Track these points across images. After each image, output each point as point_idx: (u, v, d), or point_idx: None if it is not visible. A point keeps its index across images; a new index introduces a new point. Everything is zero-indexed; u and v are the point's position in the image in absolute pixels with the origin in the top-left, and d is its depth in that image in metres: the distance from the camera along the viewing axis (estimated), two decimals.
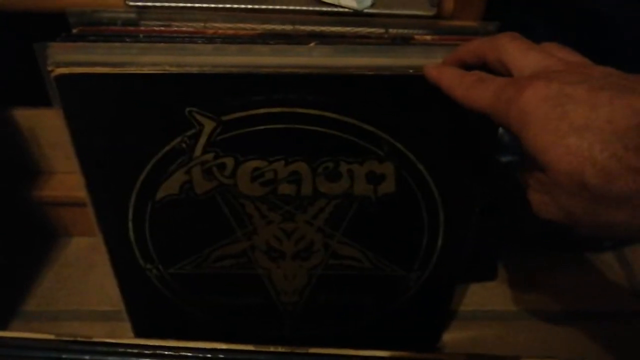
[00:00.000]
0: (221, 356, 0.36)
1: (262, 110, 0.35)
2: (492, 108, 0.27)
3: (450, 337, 0.53)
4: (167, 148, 0.36)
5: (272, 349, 0.40)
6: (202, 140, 0.36)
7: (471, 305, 0.56)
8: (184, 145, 0.36)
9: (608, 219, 0.23)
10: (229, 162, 0.37)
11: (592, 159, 0.22)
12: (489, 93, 0.28)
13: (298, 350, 0.40)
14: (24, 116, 0.54)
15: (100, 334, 0.51)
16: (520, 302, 0.56)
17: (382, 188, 0.39)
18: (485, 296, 0.57)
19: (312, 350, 0.40)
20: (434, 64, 0.33)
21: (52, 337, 0.33)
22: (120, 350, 0.34)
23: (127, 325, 0.49)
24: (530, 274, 0.59)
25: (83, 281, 0.57)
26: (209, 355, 0.37)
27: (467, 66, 0.31)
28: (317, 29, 0.38)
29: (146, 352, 0.36)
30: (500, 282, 0.58)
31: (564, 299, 0.57)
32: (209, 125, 0.35)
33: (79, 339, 0.33)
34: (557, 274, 0.59)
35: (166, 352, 0.36)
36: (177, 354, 0.36)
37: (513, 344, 0.52)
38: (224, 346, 0.38)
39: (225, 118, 0.35)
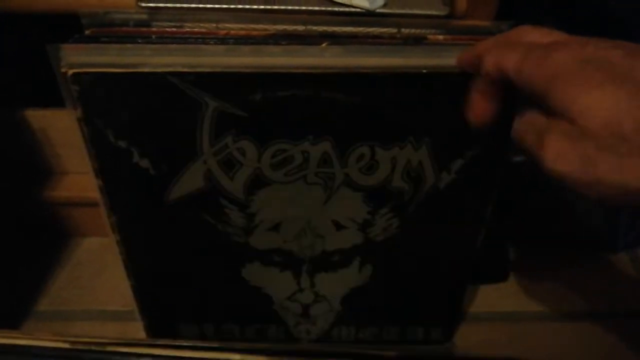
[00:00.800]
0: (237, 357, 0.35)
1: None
2: (518, 71, 0.25)
3: (461, 337, 0.53)
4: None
5: (276, 345, 0.40)
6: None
7: (482, 306, 0.56)
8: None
9: (635, 176, 0.21)
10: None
11: (632, 110, 0.21)
12: (517, 54, 0.26)
13: (306, 348, 0.40)
14: (37, 117, 0.54)
15: (111, 334, 0.52)
16: (532, 303, 0.56)
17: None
18: (496, 297, 0.57)
19: (319, 348, 0.40)
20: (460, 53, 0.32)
21: (66, 345, 0.33)
22: (133, 359, 0.34)
23: (139, 325, 0.49)
24: (542, 275, 0.59)
25: (95, 281, 0.57)
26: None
27: None
28: (329, 29, 0.38)
29: None
30: (511, 283, 0.58)
31: (575, 299, 0.56)
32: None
33: (93, 347, 0.33)
34: (568, 275, 0.58)
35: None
36: None
37: (524, 345, 0.52)
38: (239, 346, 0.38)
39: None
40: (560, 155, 0.23)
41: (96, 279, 0.58)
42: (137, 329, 0.50)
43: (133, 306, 0.47)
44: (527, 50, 0.26)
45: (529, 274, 0.59)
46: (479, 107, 0.30)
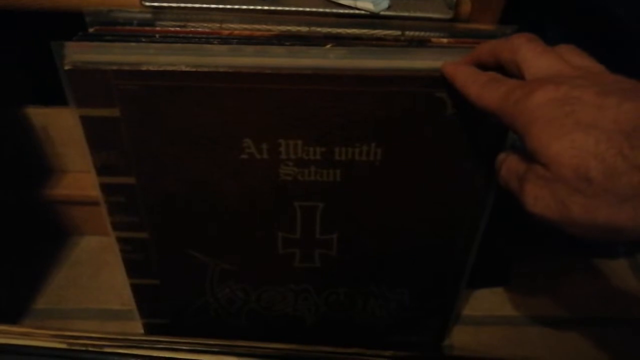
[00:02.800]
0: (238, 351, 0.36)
1: None
2: (500, 108, 0.27)
3: (460, 340, 0.53)
4: None
5: (276, 345, 0.40)
6: None
7: (481, 310, 0.56)
8: None
9: (608, 218, 0.23)
10: None
11: (598, 155, 0.23)
12: (499, 93, 0.28)
13: (305, 348, 0.40)
14: (38, 115, 0.54)
15: (110, 332, 0.52)
16: (532, 307, 0.56)
17: None
18: (497, 301, 0.57)
19: (318, 348, 0.40)
20: (451, 61, 0.33)
21: (64, 345, 0.33)
22: None
23: (138, 324, 0.49)
24: (542, 280, 0.59)
25: (94, 280, 0.57)
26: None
27: (484, 66, 0.32)
28: (333, 30, 0.38)
29: None
30: (511, 287, 0.58)
31: (575, 304, 0.56)
32: None
33: (90, 348, 0.33)
34: (569, 280, 0.59)
35: None
36: None
37: (522, 349, 0.52)
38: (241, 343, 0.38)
39: None
40: (537, 199, 0.25)
41: (95, 277, 0.58)
42: (136, 328, 0.50)
43: (131, 306, 0.47)
44: (506, 95, 0.27)
45: (529, 278, 0.59)
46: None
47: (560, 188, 0.24)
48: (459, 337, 0.53)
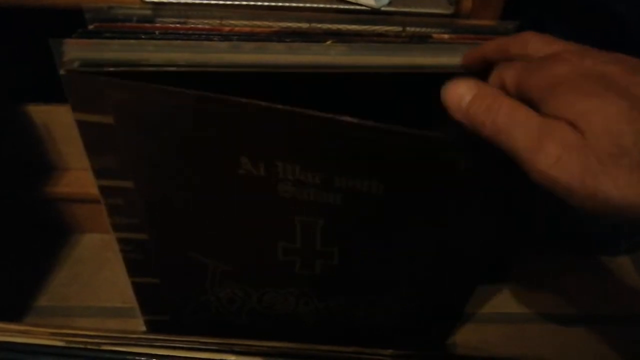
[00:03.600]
0: (232, 358, 0.35)
1: None
2: (518, 83, 0.25)
3: (462, 338, 0.53)
4: None
5: (274, 344, 0.40)
6: None
7: (483, 307, 0.56)
8: None
9: (635, 192, 0.21)
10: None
11: (632, 120, 0.21)
12: (515, 71, 0.26)
13: (303, 347, 0.40)
14: (39, 112, 0.54)
15: (108, 330, 0.52)
16: (534, 304, 0.56)
17: None
18: (498, 298, 0.57)
19: (317, 347, 0.40)
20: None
21: (62, 343, 0.33)
22: (129, 358, 0.34)
23: (139, 322, 0.49)
24: (544, 277, 0.59)
25: (95, 278, 0.57)
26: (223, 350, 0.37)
27: (489, 64, 0.31)
28: (334, 26, 0.38)
29: None
30: (513, 284, 0.58)
31: (577, 302, 0.56)
32: None
33: (88, 346, 0.33)
34: (571, 277, 0.58)
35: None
36: None
37: (523, 347, 0.52)
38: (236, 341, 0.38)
39: None
40: (559, 161, 0.22)
41: (96, 275, 0.58)
42: (137, 326, 0.50)
43: (133, 303, 0.47)
44: (525, 65, 0.26)
45: (530, 275, 0.59)
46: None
47: (590, 155, 0.21)
48: (462, 335, 0.53)
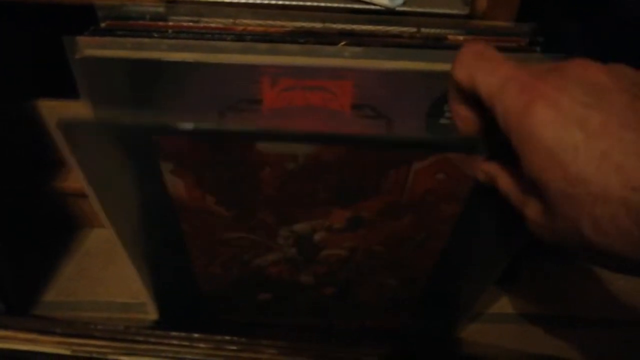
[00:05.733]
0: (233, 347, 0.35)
1: None
2: (505, 120, 0.24)
3: (469, 337, 0.53)
4: None
5: (271, 342, 0.39)
6: None
7: (492, 307, 0.55)
8: None
9: None
10: None
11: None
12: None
13: (297, 346, 0.40)
14: (50, 107, 0.54)
15: (119, 325, 0.52)
16: (542, 306, 0.56)
17: None
18: (507, 299, 0.56)
19: (311, 345, 0.40)
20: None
21: (68, 352, 0.33)
22: None
23: (146, 318, 0.49)
24: (553, 279, 0.58)
25: (103, 272, 0.57)
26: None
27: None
28: (348, 27, 0.37)
29: None
30: (522, 286, 0.58)
31: (587, 305, 0.56)
32: None
33: (94, 355, 0.33)
34: (580, 280, 0.58)
35: None
36: None
37: (532, 347, 0.51)
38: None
39: None
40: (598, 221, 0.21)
41: (105, 270, 0.58)
42: (145, 321, 0.50)
43: (141, 298, 0.47)
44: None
45: (540, 277, 0.58)
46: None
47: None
48: (469, 334, 0.53)
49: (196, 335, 0.36)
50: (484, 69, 0.25)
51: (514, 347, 0.52)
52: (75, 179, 0.57)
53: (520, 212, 0.25)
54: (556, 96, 0.22)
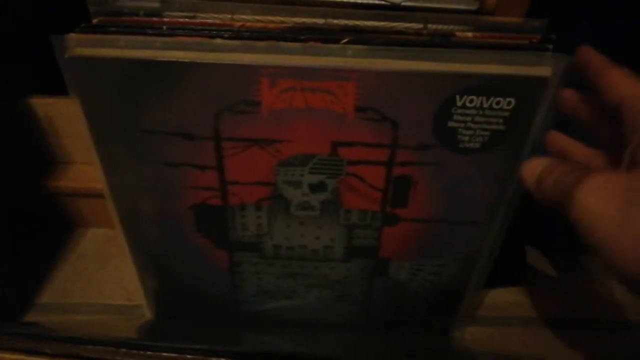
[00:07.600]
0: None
1: None
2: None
3: (471, 339, 0.52)
4: None
5: (265, 350, 0.39)
6: None
7: (495, 309, 0.55)
8: None
9: None
10: None
11: None
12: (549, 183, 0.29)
13: (291, 353, 0.39)
14: (43, 105, 0.52)
15: (114, 328, 0.51)
16: (546, 308, 0.55)
17: None
18: (510, 301, 0.56)
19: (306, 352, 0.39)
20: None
21: None
22: None
23: (142, 320, 0.48)
24: (557, 281, 0.58)
25: (99, 274, 0.56)
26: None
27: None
28: (351, 22, 0.36)
29: None
30: (526, 288, 0.57)
31: (591, 307, 0.55)
32: None
33: None
34: (584, 282, 0.57)
35: None
36: None
37: (535, 350, 0.51)
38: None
39: None
40: None
41: (100, 271, 0.57)
42: (140, 324, 0.49)
43: (137, 300, 0.46)
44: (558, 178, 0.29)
45: (544, 279, 0.58)
46: None
47: None
48: (471, 336, 0.52)
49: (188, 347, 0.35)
50: None
51: (518, 349, 0.51)
52: (70, 178, 0.56)
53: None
54: None
